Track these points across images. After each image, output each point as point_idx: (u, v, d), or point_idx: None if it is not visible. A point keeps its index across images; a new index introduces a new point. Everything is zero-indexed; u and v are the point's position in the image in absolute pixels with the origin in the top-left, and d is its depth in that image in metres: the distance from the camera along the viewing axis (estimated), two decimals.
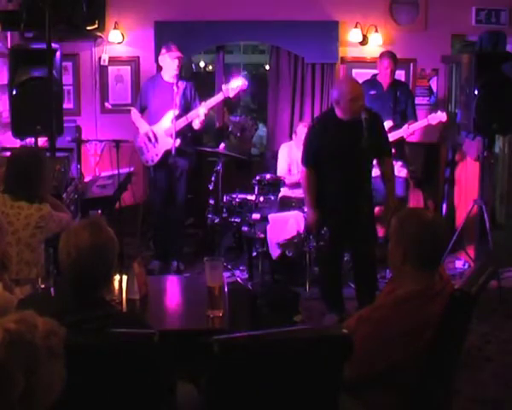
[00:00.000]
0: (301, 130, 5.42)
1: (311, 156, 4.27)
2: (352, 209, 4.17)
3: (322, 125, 4.31)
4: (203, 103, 5.21)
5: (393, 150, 4.74)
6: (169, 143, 5.15)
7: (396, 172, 4.70)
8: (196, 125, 5.24)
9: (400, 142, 5.47)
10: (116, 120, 6.16)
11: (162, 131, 5.26)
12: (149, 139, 5.28)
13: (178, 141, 5.11)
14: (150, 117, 5.38)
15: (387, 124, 5.30)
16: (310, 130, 4.47)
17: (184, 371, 2.46)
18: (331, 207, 4.23)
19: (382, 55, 5.59)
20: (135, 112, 5.47)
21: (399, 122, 5.48)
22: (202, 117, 5.18)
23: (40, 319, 1.39)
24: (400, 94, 5.57)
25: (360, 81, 5.74)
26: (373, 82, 5.64)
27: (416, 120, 5.54)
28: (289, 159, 5.51)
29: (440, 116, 5.39)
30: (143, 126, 5.35)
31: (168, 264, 5.39)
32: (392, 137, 5.33)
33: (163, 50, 5.29)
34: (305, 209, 4.53)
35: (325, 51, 6.17)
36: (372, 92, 5.46)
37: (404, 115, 5.58)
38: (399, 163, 5.34)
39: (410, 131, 5.44)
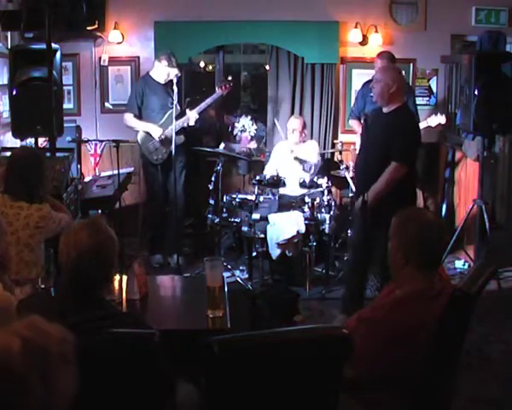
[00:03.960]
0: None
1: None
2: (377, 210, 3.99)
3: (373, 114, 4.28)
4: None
5: None
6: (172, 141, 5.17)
7: None
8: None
9: None
10: (116, 119, 6.13)
11: (168, 130, 5.29)
12: (162, 142, 5.32)
13: (182, 138, 5.15)
14: (148, 118, 5.40)
15: None
16: None
17: (184, 371, 2.46)
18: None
19: (379, 55, 5.58)
20: (131, 117, 5.44)
21: None
22: (192, 123, 5.37)
23: (51, 325, 1.36)
24: None
25: (361, 83, 5.78)
26: None
27: (418, 119, 5.52)
28: (280, 158, 5.52)
29: (440, 119, 5.38)
30: (154, 130, 5.34)
31: (167, 259, 5.50)
32: None
33: (164, 61, 5.30)
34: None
35: (325, 51, 6.17)
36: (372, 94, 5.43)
37: None
38: None
39: (425, 127, 5.40)
